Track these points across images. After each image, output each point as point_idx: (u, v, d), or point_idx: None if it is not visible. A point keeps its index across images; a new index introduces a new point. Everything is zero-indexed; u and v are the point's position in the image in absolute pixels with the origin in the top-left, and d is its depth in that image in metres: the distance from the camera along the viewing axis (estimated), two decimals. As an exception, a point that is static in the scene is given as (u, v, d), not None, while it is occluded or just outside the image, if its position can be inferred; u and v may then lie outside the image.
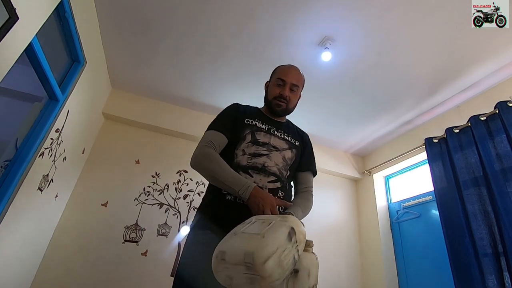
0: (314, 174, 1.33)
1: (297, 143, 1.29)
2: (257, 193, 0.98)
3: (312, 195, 1.26)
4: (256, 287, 0.66)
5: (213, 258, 0.74)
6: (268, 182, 1.11)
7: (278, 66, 1.34)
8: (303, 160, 1.30)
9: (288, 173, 1.21)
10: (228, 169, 1.05)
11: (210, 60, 2.48)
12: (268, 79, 1.36)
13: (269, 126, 1.25)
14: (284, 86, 1.24)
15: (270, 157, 1.16)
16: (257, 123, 1.23)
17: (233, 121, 1.21)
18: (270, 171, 1.14)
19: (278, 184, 1.14)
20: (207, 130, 1.20)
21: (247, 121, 1.23)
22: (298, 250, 0.73)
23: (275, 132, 1.24)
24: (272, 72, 1.35)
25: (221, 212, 1.06)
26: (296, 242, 0.73)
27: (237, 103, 1.32)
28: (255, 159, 1.14)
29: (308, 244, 0.81)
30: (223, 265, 0.70)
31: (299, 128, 1.39)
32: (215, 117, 1.27)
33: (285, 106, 1.25)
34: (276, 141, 1.22)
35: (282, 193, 1.15)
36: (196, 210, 1.20)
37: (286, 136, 1.27)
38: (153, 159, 2.94)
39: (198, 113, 3.19)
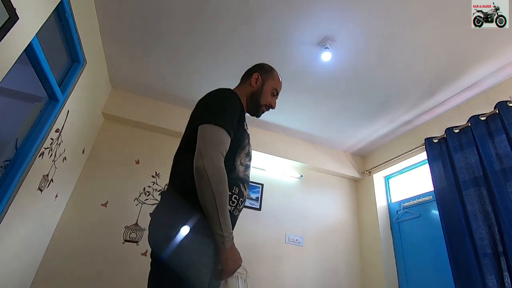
0: None
1: None
2: (235, 249, 0.89)
3: None
4: None
5: None
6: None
7: (276, 72, 1.24)
8: None
9: None
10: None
11: (210, 60, 2.48)
12: (259, 71, 1.21)
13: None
14: (276, 98, 1.21)
15: (249, 167, 1.09)
16: (247, 128, 1.09)
17: (237, 122, 0.98)
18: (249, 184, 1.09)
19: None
20: (218, 124, 0.89)
21: (245, 126, 1.06)
22: None
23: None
24: (269, 72, 1.22)
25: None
26: None
27: (236, 94, 1.04)
28: (247, 171, 1.05)
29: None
30: None
31: None
32: (218, 102, 0.98)
33: None
34: (251, 150, 1.12)
35: None
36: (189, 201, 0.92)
37: None
38: (153, 159, 2.93)
39: (198, 113, 3.19)
